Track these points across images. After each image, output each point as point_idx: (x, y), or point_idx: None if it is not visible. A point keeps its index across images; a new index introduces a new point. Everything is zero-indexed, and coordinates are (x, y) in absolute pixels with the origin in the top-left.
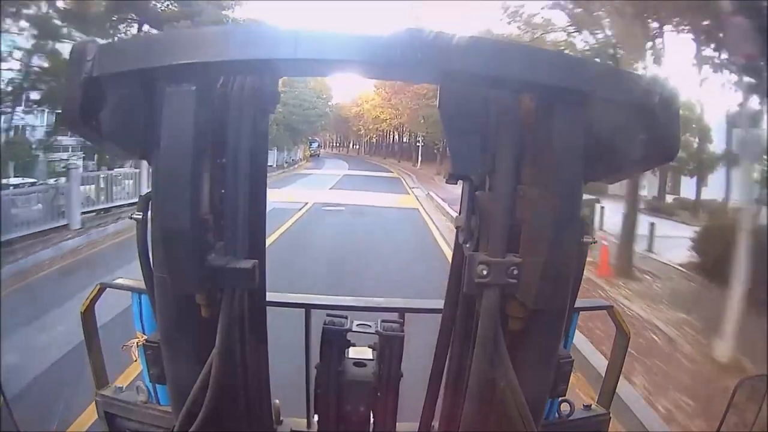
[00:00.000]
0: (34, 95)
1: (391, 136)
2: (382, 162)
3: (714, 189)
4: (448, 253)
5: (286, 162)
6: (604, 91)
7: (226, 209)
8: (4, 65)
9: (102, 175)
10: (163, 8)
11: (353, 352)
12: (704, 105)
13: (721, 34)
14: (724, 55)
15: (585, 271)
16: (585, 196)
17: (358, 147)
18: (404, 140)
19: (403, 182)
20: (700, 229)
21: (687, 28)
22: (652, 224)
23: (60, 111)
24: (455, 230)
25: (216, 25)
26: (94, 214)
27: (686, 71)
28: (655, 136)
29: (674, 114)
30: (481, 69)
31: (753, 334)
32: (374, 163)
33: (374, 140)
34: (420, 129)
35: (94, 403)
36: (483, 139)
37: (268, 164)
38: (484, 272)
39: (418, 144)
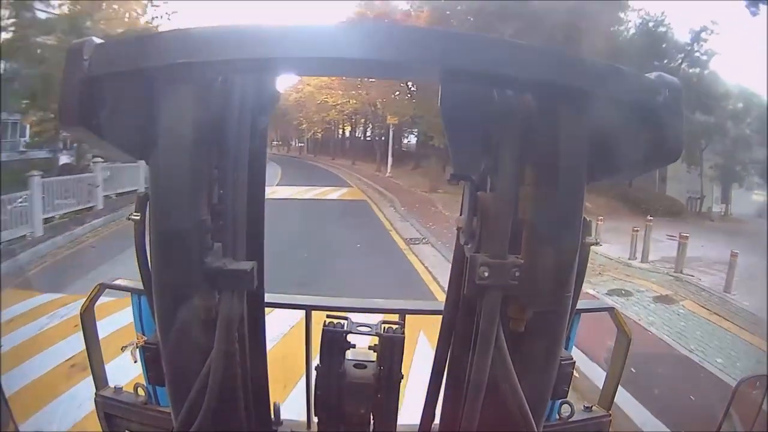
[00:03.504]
0: None
1: (341, 130)
2: (332, 165)
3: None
4: None
5: None
6: (607, 90)
7: (224, 210)
8: None
9: None
10: None
11: (353, 354)
12: None
13: None
14: None
15: None
16: None
17: (301, 145)
18: (356, 134)
19: (384, 221)
20: None
21: None
22: None
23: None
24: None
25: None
26: None
27: None
28: (658, 135)
29: (678, 113)
30: (484, 67)
31: None
32: (321, 168)
33: (320, 136)
34: (401, 110)
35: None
36: (485, 138)
37: (134, 188)
38: (486, 273)
39: (382, 137)
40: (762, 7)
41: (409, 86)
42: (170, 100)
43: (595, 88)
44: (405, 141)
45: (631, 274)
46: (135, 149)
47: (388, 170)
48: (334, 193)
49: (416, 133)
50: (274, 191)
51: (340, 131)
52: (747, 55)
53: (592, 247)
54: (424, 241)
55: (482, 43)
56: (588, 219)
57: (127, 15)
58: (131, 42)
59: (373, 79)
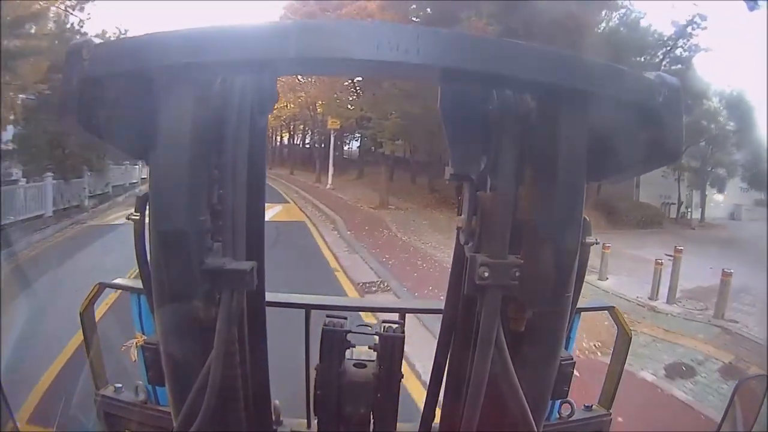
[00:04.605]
0: None
1: (279, 137)
2: (268, 175)
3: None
4: None
5: (92, 194)
6: (607, 91)
7: (224, 210)
8: None
9: None
10: None
11: (353, 353)
12: None
13: None
14: None
15: None
16: None
17: None
18: (295, 140)
19: (327, 254)
20: None
21: None
22: None
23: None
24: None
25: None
26: None
27: None
28: (658, 136)
29: (678, 113)
30: (484, 67)
31: None
32: None
33: None
34: (345, 112)
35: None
36: (484, 139)
37: (39, 213)
38: (486, 273)
39: (322, 144)
40: (762, 3)
41: (356, 84)
42: (170, 100)
43: (595, 88)
44: (346, 148)
45: (669, 326)
46: (134, 149)
47: (329, 181)
48: (268, 213)
49: (359, 139)
50: None
51: (278, 138)
52: (731, 52)
53: (606, 288)
54: (383, 286)
55: (482, 44)
56: (588, 219)
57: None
58: (131, 42)
59: (313, 80)
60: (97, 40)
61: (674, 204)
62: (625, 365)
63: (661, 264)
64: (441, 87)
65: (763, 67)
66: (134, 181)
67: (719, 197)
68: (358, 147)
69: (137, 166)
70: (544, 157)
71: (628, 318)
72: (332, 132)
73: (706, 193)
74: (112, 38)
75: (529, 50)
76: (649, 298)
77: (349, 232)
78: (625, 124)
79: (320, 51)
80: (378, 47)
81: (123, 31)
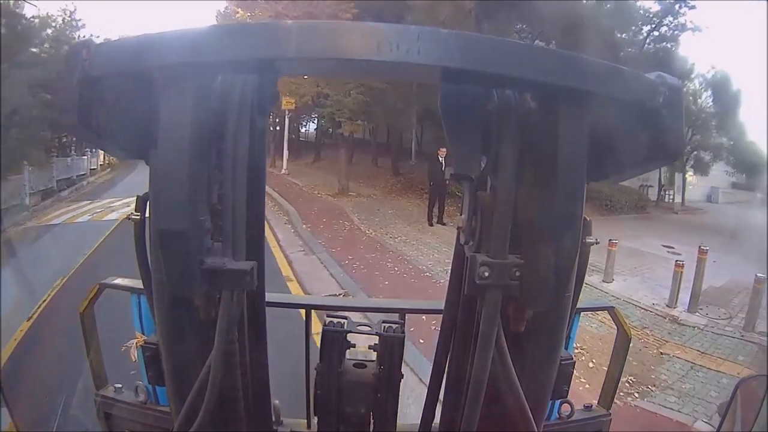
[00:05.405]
0: None
1: None
2: None
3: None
4: None
5: (33, 191)
6: (608, 90)
7: (224, 210)
8: None
9: None
10: None
11: (353, 353)
12: None
13: None
14: None
15: None
16: None
17: None
18: None
19: (280, 257)
20: None
21: None
22: None
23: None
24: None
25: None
26: None
27: None
28: (658, 135)
29: (678, 113)
30: (484, 67)
31: None
32: None
33: None
34: (300, 89)
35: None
36: (484, 139)
37: None
38: (486, 273)
39: (277, 127)
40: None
41: None
42: (170, 100)
43: (595, 88)
44: (303, 130)
45: (703, 347)
46: (134, 149)
47: (284, 166)
48: None
49: (315, 121)
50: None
51: None
52: (718, 33)
53: (615, 292)
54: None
55: (482, 43)
56: (588, 219)
57: None
58: (130, 42)
59: None
60: (98, 41)
61: (652, 186)
62: (677, 410)
63: (682, 267)
64: (441, 87)
65: (762, 52)
66: (82, 173)
67: (694, 179)
68: (316, 129)
69: (85, 157)
70: (545, 157)
71: (652, 333)
72: (287, 113)
73: (686, 176)
74: (60, 21)
75: (529, 50)
76: (667, 305)
77: (305, 226)
78: (626, 124)
79: (321, 51)
80: (379, 47)
81: (68, 14)
